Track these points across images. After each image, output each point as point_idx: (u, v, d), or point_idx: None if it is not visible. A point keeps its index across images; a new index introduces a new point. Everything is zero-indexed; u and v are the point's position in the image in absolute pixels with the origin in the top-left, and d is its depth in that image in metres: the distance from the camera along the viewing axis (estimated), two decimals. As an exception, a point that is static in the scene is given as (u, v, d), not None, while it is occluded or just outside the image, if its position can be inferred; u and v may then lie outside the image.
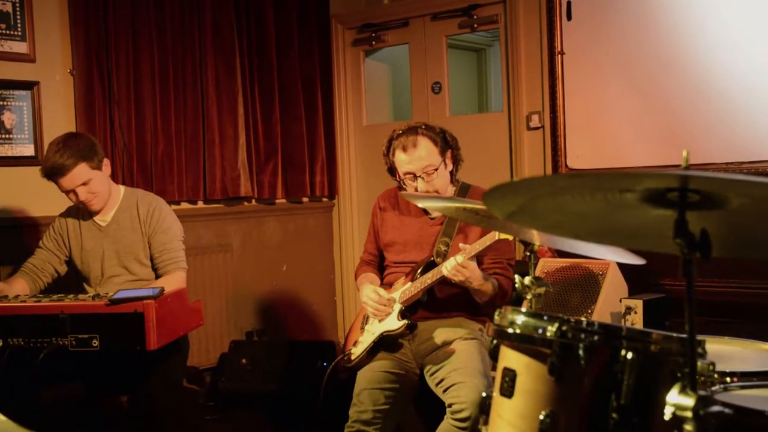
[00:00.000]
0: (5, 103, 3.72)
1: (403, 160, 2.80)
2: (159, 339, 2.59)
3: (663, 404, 1.28)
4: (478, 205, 2.04)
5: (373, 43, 5.05)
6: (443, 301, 2.80)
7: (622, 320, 3.28)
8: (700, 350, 1.41)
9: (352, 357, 2.84)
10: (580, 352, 1.43)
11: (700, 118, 3.67)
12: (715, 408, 1.24)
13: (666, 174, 1.22)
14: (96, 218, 3.13)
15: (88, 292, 3.08)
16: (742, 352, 1.95)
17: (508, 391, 1.53)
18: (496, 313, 1.61)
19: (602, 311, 3.24)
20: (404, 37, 4.97)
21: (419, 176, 2.78)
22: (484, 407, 1.63)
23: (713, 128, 3.63)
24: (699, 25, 3.65)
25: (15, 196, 3.73)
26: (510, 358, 1.56)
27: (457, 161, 2.90)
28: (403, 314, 2.76)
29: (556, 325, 1.47)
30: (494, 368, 1.64)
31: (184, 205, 4.40)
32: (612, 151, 3.96)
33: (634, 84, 3.88)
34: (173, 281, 3.00)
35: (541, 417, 1.45)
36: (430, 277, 2.70)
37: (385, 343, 2.78)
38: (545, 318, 1.49)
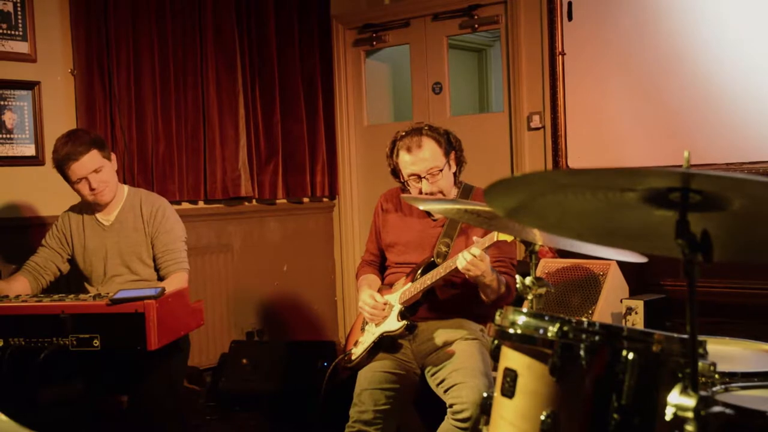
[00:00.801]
0: (6, 102, 3.72)
1: (407, 162, 2.79)
2: (160, 339, 2.59)
3: (664, 405, 1.29)
4: (480, 207, 2.04)
5: (374, 43, 5.05)
6: (444, 302, 2.80)
7: (623, 321, 3.28)
8: (701, 351, 1.41)
9: (353, 357, 2.84)
10: (582, 352, 1.43)
11: (700, 119, 3.67)
12: (716, 408, 1.24)
13: (668, 171, 1.21)
14: (99, 217, 3.14)
15: (90, 291, 3.08)
16: (743, 353, 1.95)
17: (509, 392, 1.53)
18: (497, 313, 1.62)
19: (603, 312, 3.24)
20: (405, 37, 4.97)
21: (424, 177, 2.77)
22: (485, 407, 1.63)
23: (714, 129, 3.63)
24: (699, 25, 3.65)
25: (16, 195, 3.74)
26: (511, 358, 1.55)
27: (460, 163, 2.89)
28: (402, 315, 2.76)
29: (558, 325, 1.46)
30: (495, 368, 1.64)
31: (185, 205, 4.40)
32: (613, 152, 3.96)
33: (635, 84, 3.88)
34: (176, 282, 3.00)
35: (543, 417, 1.45)
36: (430, 278, 2.69)
37: (386, 343, 2.78)
38: (546, 318, 1.49)
